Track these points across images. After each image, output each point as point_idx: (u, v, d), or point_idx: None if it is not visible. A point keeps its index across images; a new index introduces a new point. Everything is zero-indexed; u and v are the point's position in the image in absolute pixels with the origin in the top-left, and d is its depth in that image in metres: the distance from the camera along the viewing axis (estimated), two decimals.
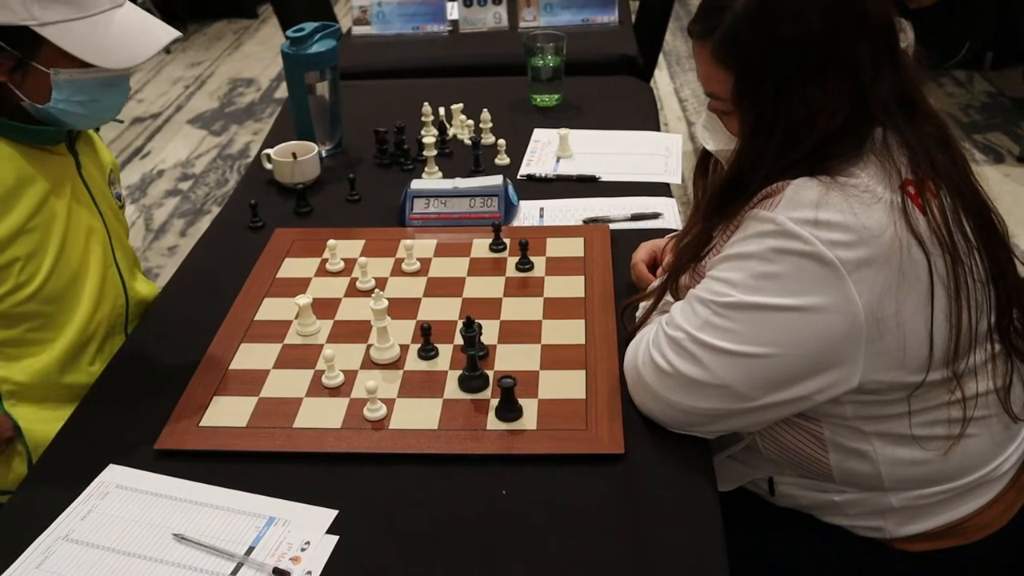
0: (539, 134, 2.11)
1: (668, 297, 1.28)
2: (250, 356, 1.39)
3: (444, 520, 1.11)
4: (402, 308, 1.47)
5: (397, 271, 1.59)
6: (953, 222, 1.11)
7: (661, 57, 4.42)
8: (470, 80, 2.47)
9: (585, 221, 1.73)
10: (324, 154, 2.03)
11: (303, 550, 1.06)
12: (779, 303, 1.08)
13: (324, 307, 1.49)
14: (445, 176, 1.90)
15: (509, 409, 1.23)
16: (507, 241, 1.64)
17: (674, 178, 1.91)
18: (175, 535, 1.09)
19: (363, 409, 1.26)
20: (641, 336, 1.25)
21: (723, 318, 1.12)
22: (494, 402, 1.26)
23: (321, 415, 1.26)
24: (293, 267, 1.62)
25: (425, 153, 1.91)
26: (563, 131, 2.01)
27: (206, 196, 3.89)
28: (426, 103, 2.09)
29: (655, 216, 1.73)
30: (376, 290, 1.39)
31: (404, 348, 1.38)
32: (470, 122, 2.11)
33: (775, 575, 1.34)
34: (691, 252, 1.22)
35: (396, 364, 1.36)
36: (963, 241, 1.11)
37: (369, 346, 1.39)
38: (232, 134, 4.49)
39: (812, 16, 1.08)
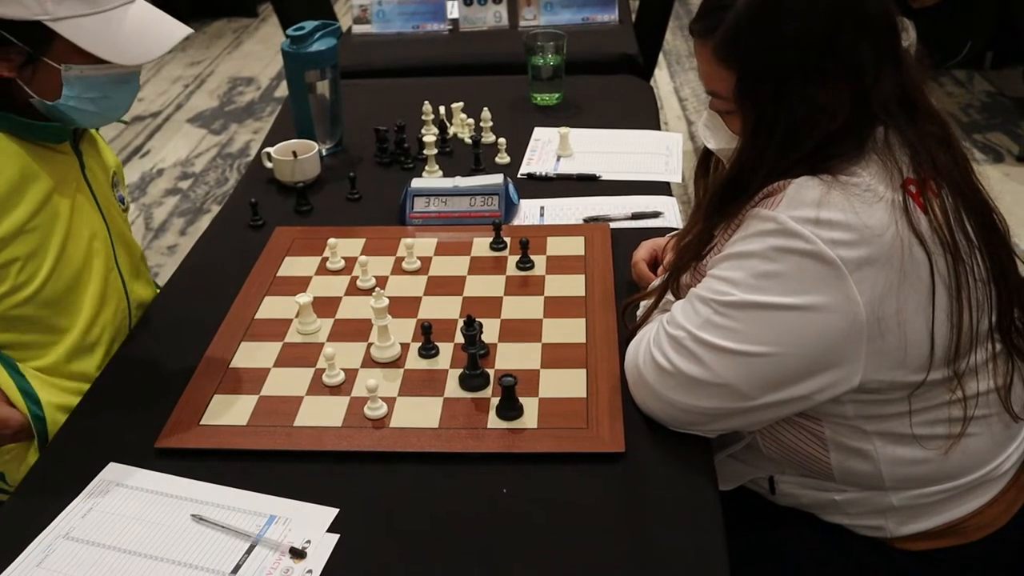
0: (539, 133, 2.11)
1: (669, 296, 1.28)
2: (251, 355, 1.39)
3: (444, 519, 1.11)
4: (403, 307, 1.47)
5: (397, 270, 1.59)
6: (955, 221, 1.11)
7: (661, 56, 4.42)
8: (470, 79, 2.47)
9: (585, 220, 1.73)
10: (324, 153, 2.03)
11: (304, 548, 1.06)
12: (780, 302, 1.08)
13: (324, 306, 1.49)
14: (445, 175, 1.89)
15: (510, 408, 1.23)
16: (507, 240, 1.64)
17: (674, 177, 1.91)
18: (193, 516, 1.11)
19: (364, 408, 1.26)
20: (642, 335, 1.25)
21: (724, 317, 1.12)
22: (495, 401, 1.26)
23: (322, 414, 1.26)
24: (293, 266, 1.62)
25: (425, 152, 1.91)
26: (563, 130, 2.01)
27: (206, 195, 3.89)
28: (426, 102, 2.09)
29: (655, 215, 1.73)
30: (376, 289, 1.39)
31: (405, 347, 1.38)
32: (470, 121, 2.11)
33: (775, 574, 1.34)
34: (692, 251, 1.22)
35: (397, 363, 1.36)
36: (964, 240, 1.11)
37: (370, 345, 1.39)
38: (232, 133, 4.49)
39: (814, 15, 1.08)
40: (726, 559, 1.04)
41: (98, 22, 1.29)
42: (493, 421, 1.23)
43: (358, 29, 2.92)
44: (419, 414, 1.25)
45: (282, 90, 4.80)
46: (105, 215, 1.50)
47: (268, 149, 1.94)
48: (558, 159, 1.99)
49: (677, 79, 4.90)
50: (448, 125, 2.08)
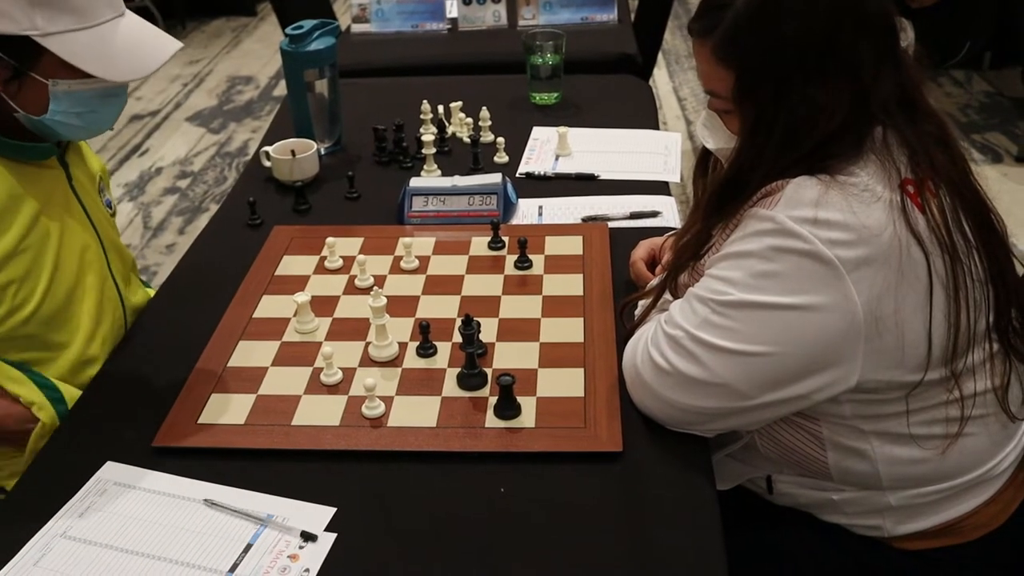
0: (538, 132, 2.11)
1: (667, 295, 1.28)
2: (248, 353, 1.39)
3: (442, 518, 1.11)
4: (401, 306, 1.47)
5: (396, 269, 1.59)
6: (952, 222, 1.11)
7: (660, 56, 4.41)
8: (469, 78, 2.47)
9: (584, 219, 1.73)
10: (323, 152, 2.02)
11: (301, 547, 1.06)
12: (778, 302, 1.08)
13: (323, 305, 1.49)
14: (444, 174, 1.89)
15: (508, 407, 1.23)
16: (506, 239, 1.64)
17: (673, 176, 1.91)
18: (205, 501, 1.12)
19: (361, 407, 1.26)
20: (640, 334, 1.25)
21: (722, 316, 1.12)
22: (493, 400, 1.26)
23: (319, 413, 1.26)
24: (292, 265, 1.62)
25: (424, 151, 1.91)
26: (562, 129, 2.01)
27: (204, 194, 3.89)
28: (425, 101, 2.09)
29: (654, 214, 1.73)
30: (375, 288, 1.39)
31: (403, 346, 1.38)
32: (469, 120, 2.10)
33: (773, 573, 1.34)
34: (690, 250, 1.22)
35: (395, 362, 1.36)
36: (962, 241, 1.11)
37: (368, 344, 1.39)
38: (231, 132, 4.48)
39: (813, 15, 1.08)
40: (724, 558, 1.04)
41: (88, 37, 1.27)
42: (491, 420, 1.23)
43: (357, 28, 2.91)
44: (417, 413, 1.25)
45: (281, 89, 4.79)
46: (96, 226, 1.49)
47: (266, 148, 1.94)
48: (556, 158, 1.99)
49: (676, 79, 4.90)
50: (447, 124, 2.08)
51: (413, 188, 1.76)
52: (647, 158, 1.98)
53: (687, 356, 1.14)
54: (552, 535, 1.08)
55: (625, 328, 1.34)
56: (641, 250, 1.51)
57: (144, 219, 3.69)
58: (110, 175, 3.98)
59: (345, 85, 2.07)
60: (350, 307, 1.49)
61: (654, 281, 1.36)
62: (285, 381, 1.33)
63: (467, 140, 2.01)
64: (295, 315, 1.45)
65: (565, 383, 1.29)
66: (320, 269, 1.60)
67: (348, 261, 1.60)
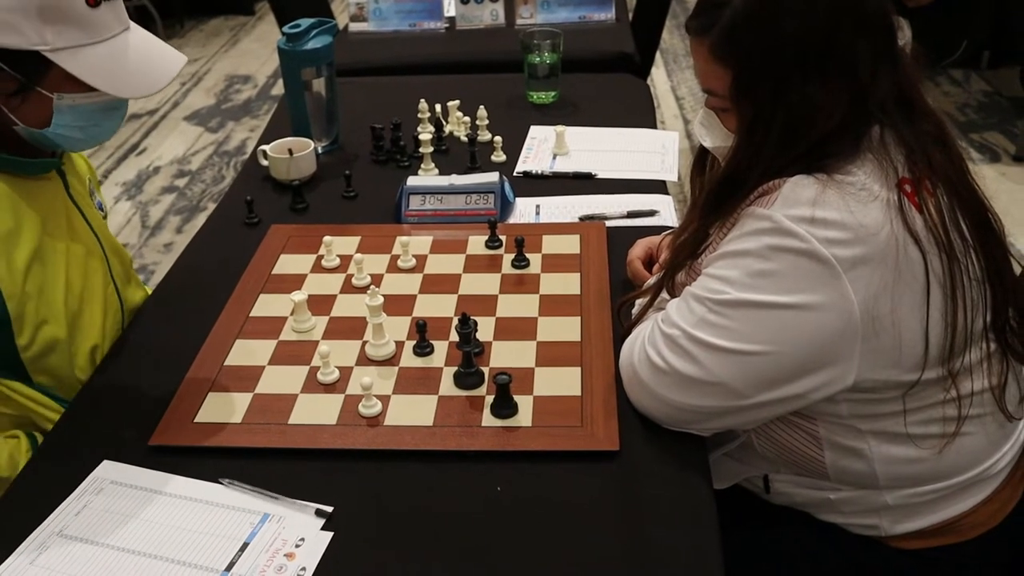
0: (536, 131, 2.11)
1: (664, 294, 1.28)
2: (245, 352, 1.39)
3: (438, 517, 1.10)
4: (398, 305, 1.47)
5: (393, 268, 1.59)
6: (950, 221, 1.11)
7: (658, 55, 4.42)
8: (467, 77, 2.47)
9: (581, 218, 1.73)
10: (320, 151, 2.02)
11: (297, 546, 1.06)
12: (775, 301, 1.08)
13: (319, 303, 1.49)
14: (441, 173, 1.89)
15: (504, 406, 1.23)
16: (503, 238, 1.64)
17: (670, 175, 1.91)
18: (220, 480, 1.14)
19: (358, 405, 1.25)
20: (637, 333, 1.25)
21: (719, 316, 1.11)
22: (489, 399, 1.25)
23: (316, 411, 1.26)
24: (289, 263, 1.61)
25: (421, 150, 1.90)
26: (560, 128, 2.01)
27: (202, 193, 3.89)
28: (423, 100, 2.09)
29: (651, 213, 1.73)
30: (372, 287, 1.39)
31: (399, 345, 1.38)
32: (466, 119, 2.10)
33: (770, 572, 1.34)
34: (688, 249, 1.22)
35: (391, 361, 1.35)
36: (959, 240, 1.11)
37: (364, 343, 1.39)
38: (229, 131, 4.48)
39: (813, 14, 1.07)
40: (721, 558, 1.04)
41: (98, 53, 1.25)
42: (488, 419, 1.23)
43: (355, 27, 2.91)
44: (414, 412, 1.25)
45: (279, 88, 4.79)
46: (96, 231, 1.49)
47: (264, 147, 1.94)
48: (554, 157, 1.99)
49: (674, 78, 4.90)
50: (444, 123, 2.08)
51: (410, 187, 1.76)
52: (644, 157, 1.98)
53: (684, 355, 1.14)
54: (548, 534, 1.08)
55: (622, 327, 1.34)
56: (638, 249, 1.51)
57: (142, 218, 3.69)
58: (108, 175, 4.00)
59: (343, 84, 2.07)
60: (347, 306, 1.49)
61: (651, 280, 1.36)
62: (282, 380, 1.33)
63: (464, 139, 2.00)
64: (292, 314, 1.45)
65: (562, 382, 1.29)
66: (317, 268, 1.60)
67: (345, 260, 1.60)
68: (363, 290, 1.48)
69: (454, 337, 1.37)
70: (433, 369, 1.33)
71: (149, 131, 4.50)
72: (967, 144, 3.86)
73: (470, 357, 1.29)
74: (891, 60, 1.12)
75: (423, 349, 1.36)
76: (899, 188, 1.10)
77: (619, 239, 1.62)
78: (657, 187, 1.85)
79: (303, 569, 1.04)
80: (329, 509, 1.10)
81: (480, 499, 1.13)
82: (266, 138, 2.06)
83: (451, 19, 2.92)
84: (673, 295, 1.24)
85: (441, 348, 1.37)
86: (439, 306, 1.48)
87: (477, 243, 1.64)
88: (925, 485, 1.22)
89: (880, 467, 1.20)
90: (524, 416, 1.23)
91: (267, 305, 1.50)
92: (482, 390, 1.28)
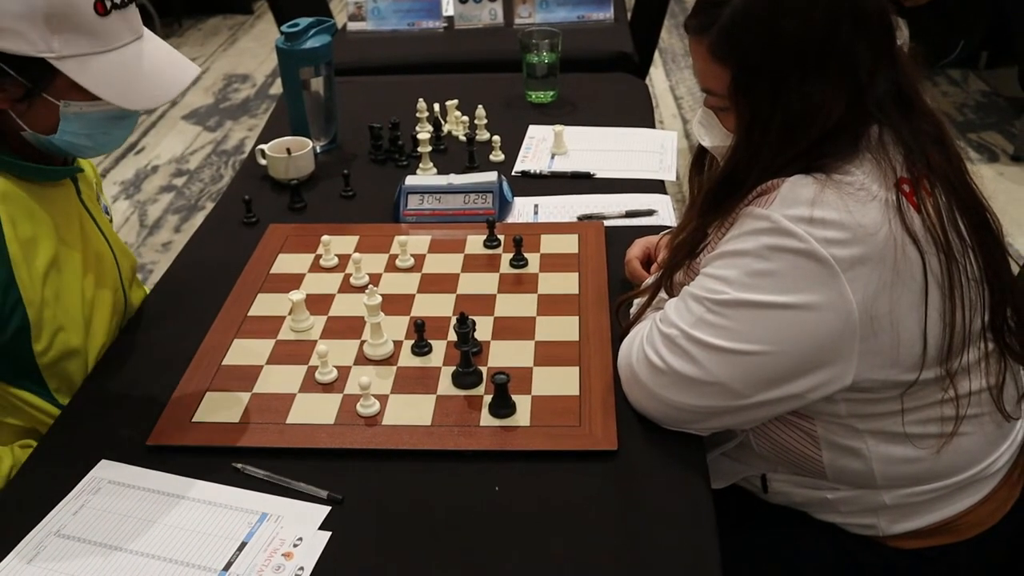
0: (534, 131, 2.11)
1: (662, 294, 1.28)
2: (243, 352, 1.39)
3: (436, 516, 1.10)
4: (396, 304, 1.47)
5: (391, 267, 1.59)
6: (948, 220, 1.11)
7: (657, 54, 4.42)
8: (465, 76, 2.47)
9: (580, 218, 1.73)
10: (319, 150, 2.02)
11: (295, 546, 1.06)
12: (773, 300, 1.08)
13: (318, 303, 1.49)
14: (440, 172, 1.89)
15: (502, 405, 1.23)
16: (501, 237, 1.64)
17: (669, 175, 1.91)
18: (234, 465, 1.17)
19: (356, 405, 1.25)
20: (635, 333, 1.25)
21: (717, 315, 1.11)
22: (487, 398, 1.25)
23: (314, 411, 1.26)
24: (287, 263, 1.61)
25: (420, 149, 1.90)
26: (558, 128, 2.01)
27: (200, 192, 3.89)
28: (421, 99, 2.09)
29: (650, 213, 1.73)
30: (370, 286, 1.39)
31: (398, 344, 1.38)
32: (465, 118, 2.10)
33: (768, 572, 1.34)
34: (686, 249, 1.22)
35: (389, 360, 1.35)
36: (957, 240, 1.11)
37: (363, 342, 1.39)
38: (227, 130, 4.48)
39: (811, 13, 1.07)
40: (718, 557, 1.04)
41: (105, 62, 1.22)
42: (486, 419, 1.23)
43: (353, 26, 2.91)
44: (412, 412, 1.25)
45: (277, 87, 4.79)
46: (107, 236, 1.49)
47: (262, 146, 1.94)
48: (552, 157, 1.99)
49: (673, 77, 4.90)
50: (443, 122, 2.08)
51: (409, 186, 1.76)
52: (643, 156, 1.98)
53: (682, 355, 1.14)
54: (546, 534, 1.07)
55: (620, 327, 1.34)
56: (636, 248, 1.51)
57: (140, 217, 3.68)
58: (106, 174, 4.00)
59: (341, 83, 2.07)
60: (345, 305, 1.49)
61: (650, 280, 1.36)
62: (280, 379, 1.33)
63: (463, 138, 2.00)
64: (290, 313, 1.45)
65: (560, 382, 1.29)
66: (315, 267, 1.60)
67: (343, 259, 1.60)
68: (361, 289, 1.48)
69: (452, 337, 1.37)
70: (431, 368, 1.33)
71: (147, 130, 4.50)
72: (965, 144, 3.86)
73: (468, 356, 1.29)
74: (890, 60, 1.12)
75: (421, 349, 1.36)
76: (897, 188, 1.10)
77: (617, 239, 1.62)
78: (655, 187, 1.85)
79: (301, 569, 1.03)
80: (340, 496, 1.11)
81: (478, 498, 1.13)
82: (264, 137, 2.06)
83: (450, 18, 2.92)
84: (671, 295, 1.24)
85: (439, 347, 1.37)
86: (437, 305, 1.48)
87: (475, 243, 1.64)
88: (923, 485, 1.22)
89: (878, 466, 1.20)
90: (522, 416, 1.23)
91: (265, 304, 1.50)
92: (480, 390, 1.28)
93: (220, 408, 1.27)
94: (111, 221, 1.59)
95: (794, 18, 1.07)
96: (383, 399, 1.27)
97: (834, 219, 1.06)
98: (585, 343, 1.36)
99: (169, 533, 1.09)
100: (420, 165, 1.91)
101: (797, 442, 1.22)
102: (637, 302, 1.34)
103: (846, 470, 1.21)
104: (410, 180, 1.78)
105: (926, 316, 1.10)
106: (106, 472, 1.18)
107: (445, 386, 1.29)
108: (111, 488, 1.16)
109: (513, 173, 1.93)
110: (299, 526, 1.09)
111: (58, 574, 1.04)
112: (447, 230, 1.69)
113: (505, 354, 1.35)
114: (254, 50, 5.56)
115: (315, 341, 1.40)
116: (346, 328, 1.43)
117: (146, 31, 1.31)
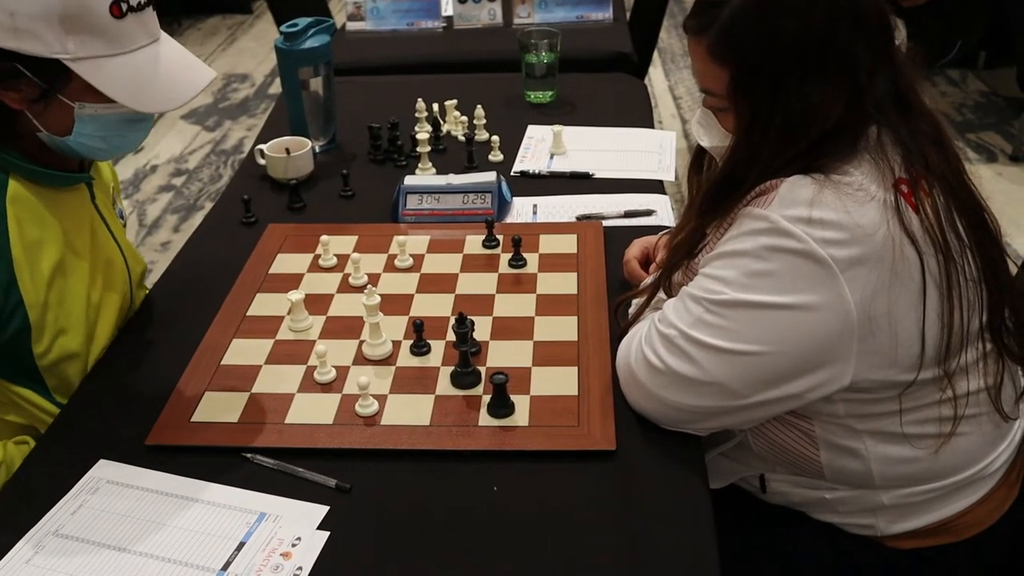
0: (533, 131, 2.11)
1: (661, 294, 1.28)
2: (242, 351, 1.39)
3: (435, 516, 1.10)
4: (395, 304, 1.47)
5: (390, 267, 1.59)
6: (946, 221, 1.11)
7: (656, 54, 4.42)
8: (464, 76, 2.47)
9: (578, 218, 1.73)
10: (318, 150, 2.02)
11: (294, 546, 1.06)
12: (772, 301, 1.08)
13: (316, 303, 1.49)
14: (439, 172, 1.89)
15: (501, 405, 1.23)
16: (500, 237, 1.64)
17: (668, 175, 1.91)
18: (244, 455, 1.18)
19: (355, 405, 1.25)
20: (634, 333, 1.25)
21: (716, 316, 1.11)
22: (486, 398, 1.25)
23: (313, 411, 1.26)
24: (286, 263, 1.61)
25: (419, 149, 1.91)
26: (557, 128, 2.01)
27: (199, 192, 3.89)
28: (420, 99, 2.09)
29: (648, 213, 1.73)
30: (369, 286, 1.39)
31: (396, 344, 1.38)
32: (464, 118, 2.10)
33: (766, 572, 1.34)
34: (684, 249, 1.22)
35: (388, 360, 1.35)
36: (956, 240, 1.11)
37: (361, 342, 1.39)
38: (226, 130, 4.48)
39: (811, 13, 1.07)
40: (717, 557, 1.04)
41: (119, 64, 1.22)
42: (484, 419, 1.23)
43: (352, 26, 2.91)
44: (410, 411, 1.25)
45: (276, 87, 4.79)
46: (119, 242, 1.48)
47: (261, 146, 1.94)
48: (551, 157, 1.99)
49: (672, 77, 4.90)
50: (442, 122, 2.08)
51: (408, 186, 1.76)
52: (642, 157, 1.98)
53: (681, 355, 1.14)
54: (545, 534, 1.08)
55: (619, 327, 1.34)
56: (635, 249, 1.51)
57: (139, 217, 3.69)
58: None
59: (340, 83, 2.07)
60: (344, 305, 1.49)
61: (648, 280, 1.36)
62: (279, 379, 1.33)
63: (462, 138, 2.00)
64: (289, 313, 1.45)
65: (559, 382, 1.29)
66: (314, 267, 1.60)
67: (342, 259, 1.60)
68: (360, 289, 1.48)
69: (451, 336, 1.37)
70: (430, 368, 1.33)
71: None
72: (964, 144, 3.86)
73: (467, 356, 1.29)
74: (889, 60, 1.12)
75: (420, 348, 1.36)
76: (896, 188, 1.10)
77: (616, 239, 1.62)
78: (654, 187, 1.85)
79: (299, 568, 1.04)
80: (348, 485, 1.12)
81: (477, 498, 1.13)
82: (263, 137, 2.06)
83: (449, 18, 2.92)
84: (670, 295, 1.24)
85: (438, 347, 1.37)
86: (436, 305, 1.48)
87: (474, 242, 1.64)
88: (921, 485, 1.22)
89: (876, 467, 1.20)
90: (521, 416, 1.23)
91: (264, 304, 1.50)
92: (479, 389, 1.28)
93: (219, 408, 1.27)
94: (125, 227, 1.59)
95: (793, 18, 1.08)
96: (382, 399, 1.27)
97: (832, 219, 1.06)
98: (584, 343, 1.36)
99: (168, 533, 1.09)
100: (419, 165, 1.91)
101: (795, 442, 1.22)
102: (636, 302, 1.34)
103: (844, 470, 1.21)
104: (409, 180, 1.78)
105: (924, 316, 1.10)
106: (105, 472, 1.18)
107: (444, 386, 1.29)
108: (110, 488, 1.16)
109: (512, 173, 1.93)
110: (297, 526, 1.09)
111: (57, 573, 1.04)
112: (446, 230, 1.69)
113: (504, 354, 1.35)
114: (253, 50, 5.56)
115: (314, 341, 1.40)
116: (345, 328, 1.43)
117: (163, 34, 1.30)
